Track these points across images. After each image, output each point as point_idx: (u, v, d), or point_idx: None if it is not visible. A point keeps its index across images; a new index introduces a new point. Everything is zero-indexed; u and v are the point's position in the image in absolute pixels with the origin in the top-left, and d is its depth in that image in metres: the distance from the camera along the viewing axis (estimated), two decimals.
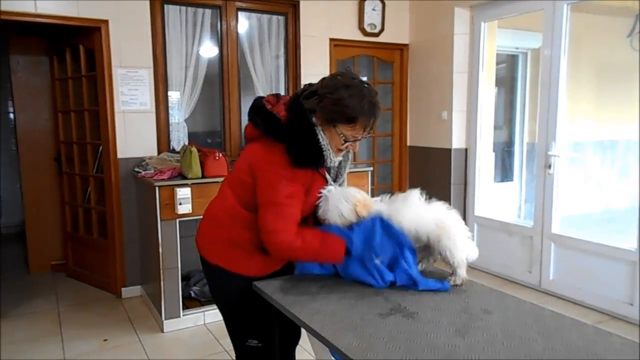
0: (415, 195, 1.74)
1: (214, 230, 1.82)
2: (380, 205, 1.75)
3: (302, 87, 1.72)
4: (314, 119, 1.62)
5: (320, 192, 1.74)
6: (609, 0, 4.43)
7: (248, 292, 1.79)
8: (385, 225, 1.68)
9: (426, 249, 1.77)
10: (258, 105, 1.70)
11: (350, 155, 1.83)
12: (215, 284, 1.90)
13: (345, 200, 1.71)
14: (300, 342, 2.12)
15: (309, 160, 1.63)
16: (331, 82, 1.61)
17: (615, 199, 4.86)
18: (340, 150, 1.70)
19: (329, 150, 1.64)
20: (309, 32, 4.51)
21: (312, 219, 1.85)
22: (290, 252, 1.67)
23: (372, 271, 1.69)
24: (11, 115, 5.86)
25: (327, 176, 1.76)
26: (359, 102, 1.57)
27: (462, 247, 1.70)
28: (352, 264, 1.72)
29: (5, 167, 6.14)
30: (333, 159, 1.68)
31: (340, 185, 1.83)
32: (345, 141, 1.64)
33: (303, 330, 1.53)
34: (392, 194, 1.80)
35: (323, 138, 1.63)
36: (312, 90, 1.63)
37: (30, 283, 4.38)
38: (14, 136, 5.12)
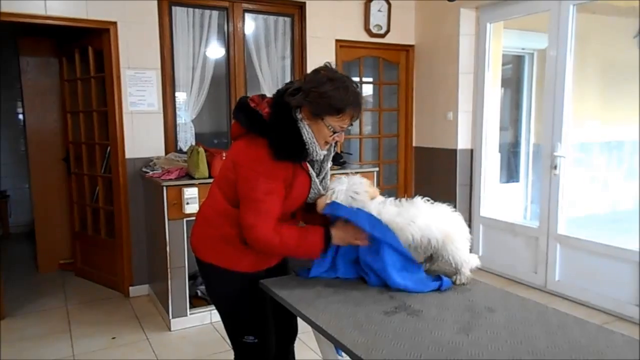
0: (421, 203, 1.76)
1: (205, 229, 1.85)
2: (389, 208, 1.75)
3: (284, 85, 1.77)
4: (298, 115, 1.67)
5: (329, 189, 1.78)
6: (615, 0, 4.42)
7: (241, 289, 1.82)
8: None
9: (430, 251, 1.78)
10: (242, 104, 1.76)
11: (332, 149, 1.85)
12: (209, 282, 1.93)
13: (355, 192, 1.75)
14: (305, 339, 2.14)
15: (291, 153, 1.67)
16: (315, 76, 1.67)
17: (623, 199, 4.84)
18: (327, 143, 1.74)
19: (314, 143, 1.69)
20: (315, 33, 4.53)
21: (301, 212, 1.91)
22: (268, 248, 1.71)
23: (364, 269, 1.77)
24: (20, 116, 5.93)
25: (311, 170, 1.78)
26: (345, 93, 1.63)
27: (464, 249, 1.73)
28: (340, 264, 1.80)
29: (15, 167, 6.22)
30: (319, 151, 1.72)
31: (323, 179, 1.85)
32: (334, 132, 1.69)
33: (308, 327, 1.55)
34: (396, 197, 1.81)
35: (308, 132, 1.67)
36: (296, 87, 1.67)
37: (39, 282, 4.43)
38: (24, 136, 5.19)
